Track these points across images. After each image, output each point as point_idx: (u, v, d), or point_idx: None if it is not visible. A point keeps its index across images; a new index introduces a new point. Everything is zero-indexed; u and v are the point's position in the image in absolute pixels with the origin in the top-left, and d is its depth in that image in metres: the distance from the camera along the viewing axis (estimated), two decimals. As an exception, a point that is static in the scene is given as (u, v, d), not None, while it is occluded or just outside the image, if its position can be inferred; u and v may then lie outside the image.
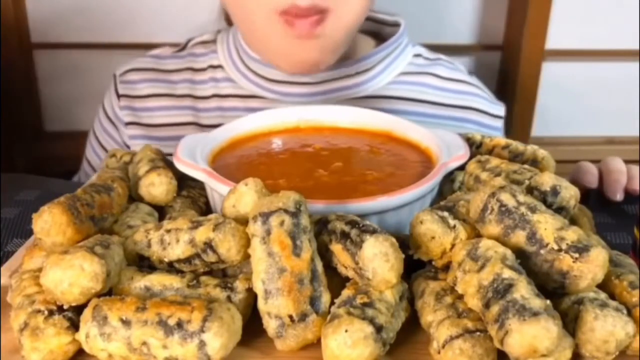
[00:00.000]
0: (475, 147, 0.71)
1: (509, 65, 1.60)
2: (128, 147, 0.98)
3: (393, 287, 0.45)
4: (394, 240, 0.44)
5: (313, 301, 0.44)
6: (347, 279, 0.47)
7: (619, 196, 0.76)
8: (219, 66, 0.98)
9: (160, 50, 1.03)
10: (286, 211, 0.45)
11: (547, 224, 0.45)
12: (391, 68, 0.97)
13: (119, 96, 0.99)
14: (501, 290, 0.41)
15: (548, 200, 0.51)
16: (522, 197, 0.47)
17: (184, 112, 0.97)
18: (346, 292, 0.45)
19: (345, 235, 0.46)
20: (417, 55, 1.01)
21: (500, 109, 1.02)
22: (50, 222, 0.48)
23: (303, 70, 0.89)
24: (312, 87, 0.93)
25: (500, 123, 1.02)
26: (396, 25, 1.01)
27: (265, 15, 0.81)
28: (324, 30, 0.81)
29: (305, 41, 0.82)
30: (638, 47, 1.55)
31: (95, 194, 0.53)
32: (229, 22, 0.99)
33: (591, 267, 0.43)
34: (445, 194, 0.64)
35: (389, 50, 0.97)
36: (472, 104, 1.00)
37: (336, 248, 0.46)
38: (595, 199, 0.78)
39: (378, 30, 1.03)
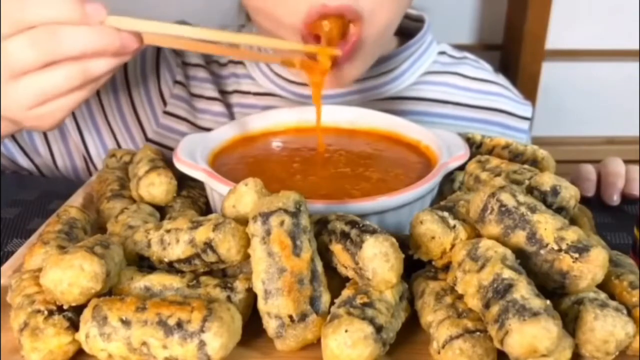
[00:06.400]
0: (475, 147, 0.71)
1: (509, 65, 1.60)
2: (157, 109, 0.92)
3: (393, 287, 0.45)
4: (394, 240, 0.44)
5: (313, 301, 0.44)
6: (347, 279, 0.47)
7: (615, 199, 0.76)
8: (240, 62, 0.95)
9: None
10: (286, 211, 0.45)
11: (547, 224, 0.45)
12: (415, 67, 0.94)
13: (178, 56, 0.94)
14: (501, 290, 0.41)
15: (548, 200, 0.51)
16: (522, 197, 0.47)
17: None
18: (346, 292, 0.45)
19: (345, 235, 0.46)
20: (442, 53, 0.98)
21: (527, 110, 0.98)
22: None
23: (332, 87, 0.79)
24: (333, 89, 0.88)
25: (526, 125, 0.98)
26: (419, 20, 0.96)
27: (290, 31, 0.73)
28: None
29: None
30: (638, 47, 1.56)
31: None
32: (249, 18, 0.96)
33: (591, 267, 0.43)
34: (445, 194, 0.64)
35: (413, 49, 0.93)
36: (497, 105, 0.96)
37: (336, 248, 0.46)
38: (595, 199, 0.78)
39: (401, 25, 0.99)
